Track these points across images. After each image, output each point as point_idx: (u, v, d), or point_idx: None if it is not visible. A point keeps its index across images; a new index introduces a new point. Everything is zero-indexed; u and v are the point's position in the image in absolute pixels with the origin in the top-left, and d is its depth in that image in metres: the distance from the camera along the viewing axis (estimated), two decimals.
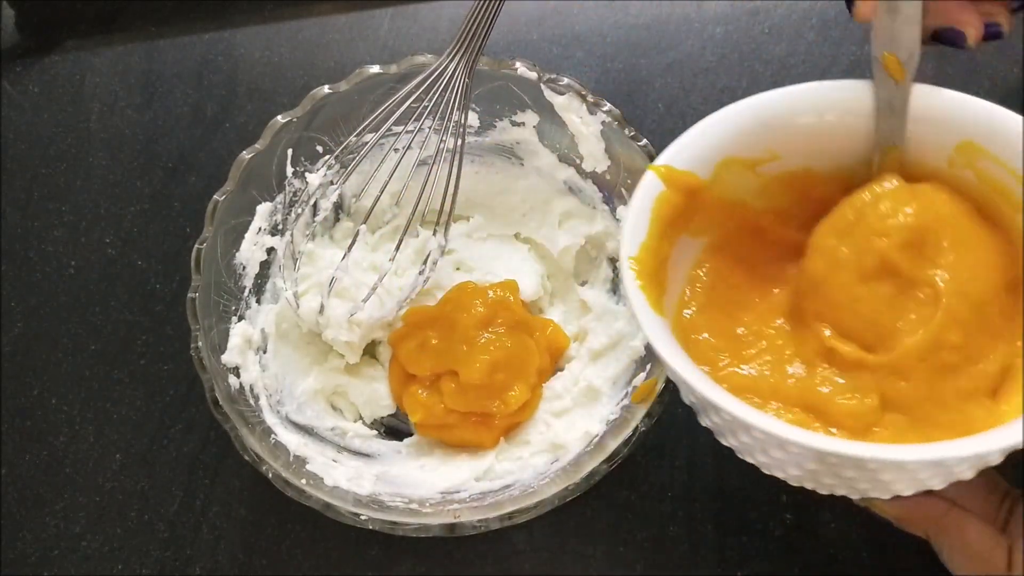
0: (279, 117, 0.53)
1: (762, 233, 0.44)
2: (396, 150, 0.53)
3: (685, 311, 0.43)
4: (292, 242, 0.55)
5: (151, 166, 0.66)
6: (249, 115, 0.67)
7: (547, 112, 0.54)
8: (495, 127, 0.57)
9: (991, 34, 0.40)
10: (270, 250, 0.55)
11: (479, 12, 0.48)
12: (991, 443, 0.32)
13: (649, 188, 0.41)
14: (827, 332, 0.39)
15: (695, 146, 0.41)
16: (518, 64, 0.53)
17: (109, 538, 0.56)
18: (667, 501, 0.54)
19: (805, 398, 0.39)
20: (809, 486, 0.38)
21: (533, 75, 0.53)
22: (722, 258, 0.44)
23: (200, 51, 0.70)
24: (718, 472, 0.55)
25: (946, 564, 0.39)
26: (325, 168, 0.55)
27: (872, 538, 0.53)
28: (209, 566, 0.55)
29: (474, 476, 0.52)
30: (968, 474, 0.35)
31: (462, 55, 0.49)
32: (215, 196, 0.51)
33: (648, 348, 0.52)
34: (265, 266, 0.55)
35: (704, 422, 0.41)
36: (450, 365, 0.53)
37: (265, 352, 0.54)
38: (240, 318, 0.53)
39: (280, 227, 0.55)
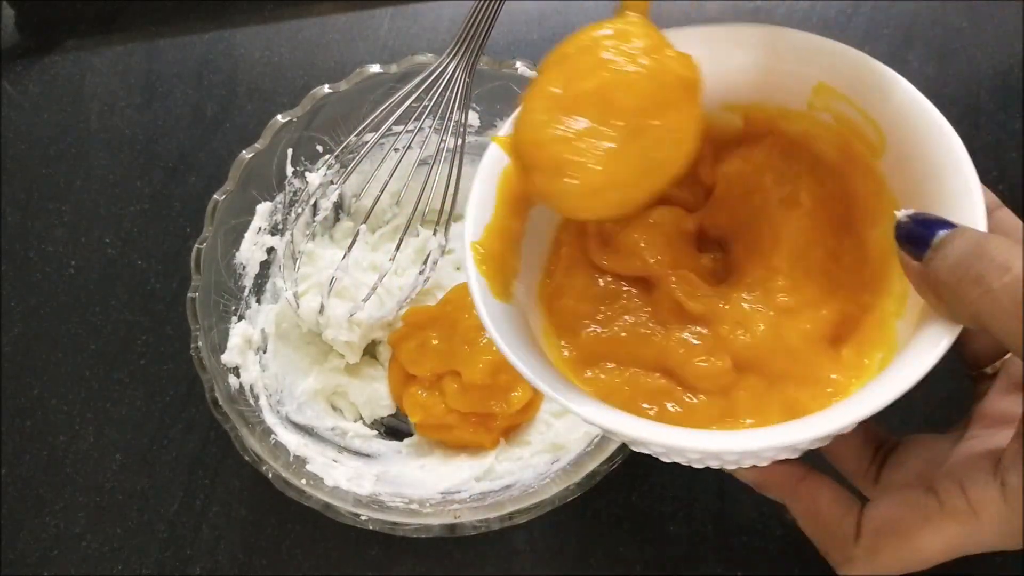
0: (279, 117, 0.53)
1: None
2: (396, 150, 0.53)
3: (548, 279, 0.40)
4: (292, 242, 0.55)
5: (151, 166, 0.66)
6: (249, 115, 0.67)
7: None
8: (495, 127, 0.57)
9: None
10: (270, 250, 0.55)
11: (479, 12, 0.47)
12: (835, 423, 0.31)
13: (493, 163, 0.37)
14: (674, 286, 0.37)
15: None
16: (518, 64, 0.53)
17: (109, 538, 0.56)
18: (667, 501, 0.54)
19: (663, 362, 0.36)
20: (679, 460, 0.37)
21: (533, 75, 0.53)
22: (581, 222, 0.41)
23: (200, 51, 0.70)
24: (718, 472, 0.55)
25: (803, 530, 0.38)
26: (325, 168, 0.55)
27: None
28: (209, 566, 0.55)
29: (474, 476, 0.52)
30: (822, 443, 0.35)
31: (462, 54, 0.49)
32: (215, 196, 0.51)
33: None
34: (265, 266, 0.55)
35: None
36: (452, 366, 0.53)
37: (265, 352, 0.54)
38: (240, 318, 0.53)
39: (280, 227, 0.55)
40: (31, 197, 0.66)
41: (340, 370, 0.57)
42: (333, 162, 0.55)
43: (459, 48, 0.49)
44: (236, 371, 0.51)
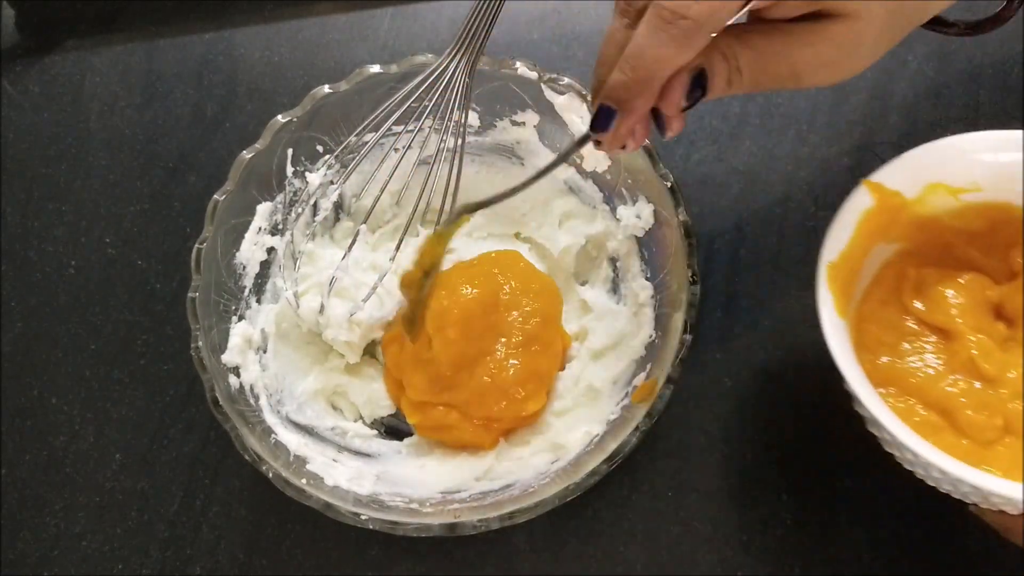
0: (279, 117, 0.53)
1: (949, 248, 0.49)
2: (396, 150, 0.53)
3: (864, 304, 0.48)
4: (292, 242, 0.55)
5: (151, 166, 0.66)
6: (249, 115, 0.67)
7: (547, 112, 0.54)
8: (495, 127, 0.57)
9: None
10: (270, 250, 0.55)
11: (479, 12, 0.47)
12: None
13: (858, 201, 0.45)
14: (972, 346, 0.45)
15: (908, 169, 0.46)
16: (518, 64, 0.53)
17: (109, 538, 0.56)
18: (667, 501, 0.54)
19: (943, 403, 0.44)
20: (947, 488, 0.43)
21: (533, 75, 0.53)
22: (909, 261, 0.48)
23: (200, 51, 0.70)
24: (718, 472, 0.55)
25: None
26: (325, 168, 0.55)
27: (872, 538, 0.53)
28: (209, 566, 0.55)
29: (474, 476, 0.52)
30: None
31: (463, 54, 0.49)
32: (215, 196, 0.51)
33: (648, 348, 0.52)
34: (265, 266, 0.55)
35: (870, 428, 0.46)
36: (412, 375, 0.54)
37: (265, 352, 0.54)
38: (240, 318, 0.53)
39: (280, 227, 0.55)
40: (31, 197, 0.66)
41: (340, 370, 0.57)
42: (333, 162, 0.55)
43: (459, 48, 0.49)
44: (236, 371, 0.51)
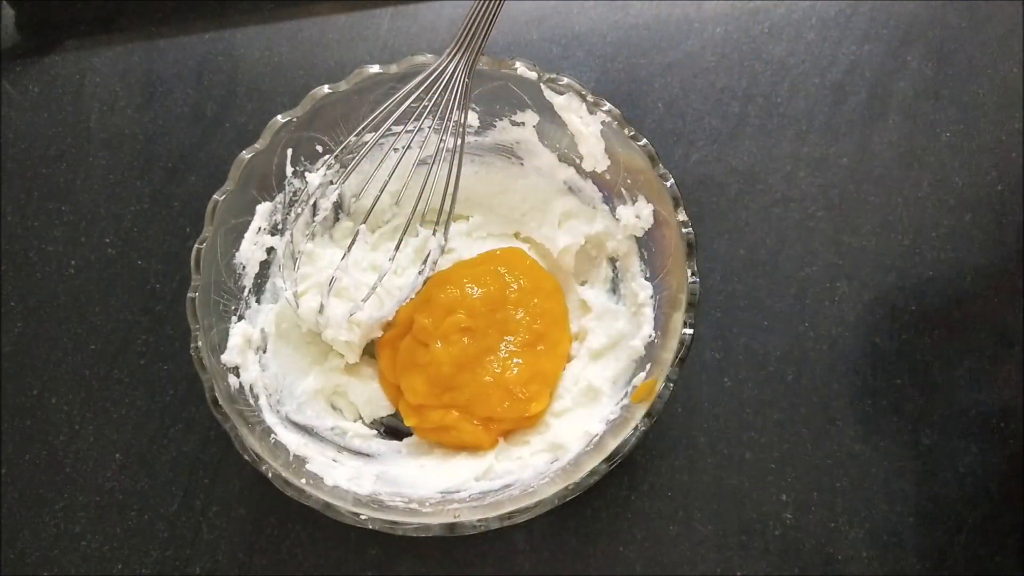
0: (279, 117, 0.53)
1: None
2: (396, 150, 0.53)
3: None
4: (292, 241, 0.55)
5: (151, 166, 0.66)
6: (249, 115, 0.67)
7: (547, 112, 0.54)
8: (495, 127, 0.57)
9: None
10: (270, 250, 0.55)
11: (479, 12, 0.47)
12: None
13: None
14: None
15: None
16: (518, 64, 0.53)
17: (109, 538, 0.56)
18: (667, 501, 0.54)
19: None
20: None
21: (533, 75, 0.53)
22: None
23: (200, 51, 0.70)
24: (718, 472, 0.55)
25: None
26: (325, 168, 0.55)
27: (872, 538, 0.53)
28: (209, 566, 0.55)
29: (474, 476, 0.52)
30: None
31: (462, 55, 0.49)
32: (215, 196, 0.51)
33: (648, 348, 0.52)
34: (265, 266, 0.55)
35: None
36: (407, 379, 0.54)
37: (265, 352, 0.54)
38: (240, 318, 0.53)
39: (280, 227, 0.55)
40: (31, 197, 0.66)
41: (340, 370, 0.57)
42: (333, 162, 0.55)
43: (459, 48, 0.49)
44: (236, 371, 0.51)
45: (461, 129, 0.51)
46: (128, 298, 0.62)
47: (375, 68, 0.53)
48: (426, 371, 0.53)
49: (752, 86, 0.65)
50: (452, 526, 0.45)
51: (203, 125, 0.67)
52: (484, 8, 0.47)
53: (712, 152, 0.64)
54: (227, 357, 0.51)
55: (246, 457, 0.47)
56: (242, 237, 0.53)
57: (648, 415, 0.46)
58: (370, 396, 0.56)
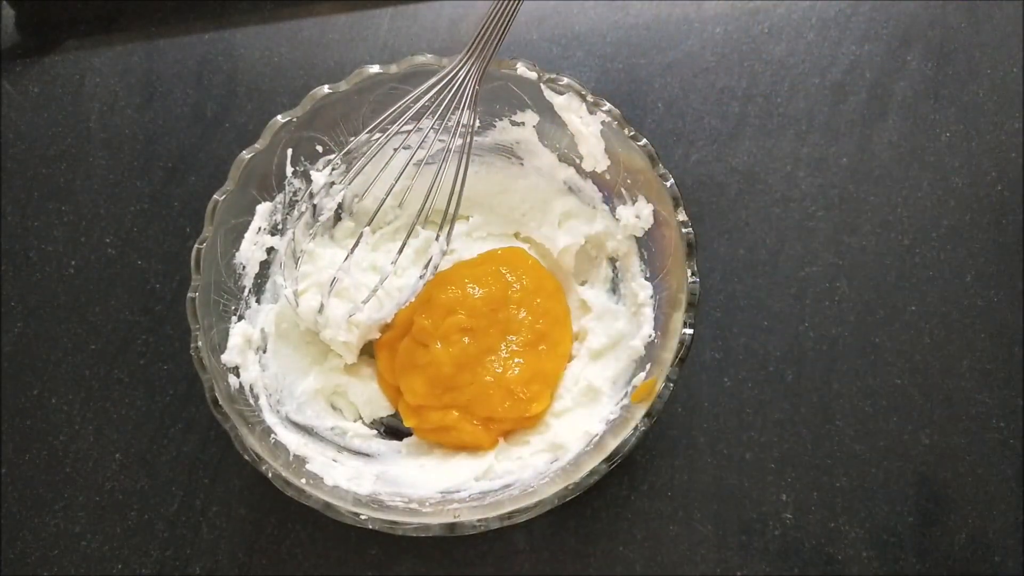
0: (279, 117, 0.53)
1: None
2: (402, 149, 0.53)
3: None
4: (294, 240, 0.55)
5: (151, 166, 0.66)
6: (249, 115, 0.67)
7: (547, 112, 0.54)
8: (495, 127, 0.57)
9: None
10: (270, 250, 0.55)
11: (493, 18, 0.47)
12: None
13: None
14: None
15: None
16: (518, 64, 0.53)
17: (109, 538, 0.56)
18: (666, 501, 0.54)
19: None
20: None
21: (533, 75, 0.53)
22: None
23: (200, 51, 0.70)
24: (718, 472, 0.55)
25: None
26: (329, 168, 0.55)
27: (872, 538, 0.53)
28: (209, 566, 0.55)
29: (474, 476, 0.52)
30: None
31: (474, 61, 0.49)
32: (215, 196, 0.51)
33: (648, 348, 0.52)
34: (265, 266, 0.55)
35: None
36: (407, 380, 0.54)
37: (265, 352, 0.54)
38: (240, 318, 0.53)
39: (280, 227, 0.55)
40: (31, 197, 0.66)
41: (340, 370, 0.57)
42: (339, 163, 0.55)
43: (471, 55, 0.49)
44: (236, 371, 0.51)
45: (469, 134, 0.51)
46: (128, 298, 0.62)
47: (375, 68, 0.53)
48: (426, 372, 0.53)
49: (752, 86, 0.65)
50: (452, 526, 0.45)
51: (203, 125, 0.67)
52: (499, 14, 0.47)
53: (712, 152, 0.64)
54: (227, 357, 0.51)
55: (246, 457, 0.47)
56: (242, 237, 0.53)
57: (648, 415, 0.46)
58: (370, 396, 0.56)
